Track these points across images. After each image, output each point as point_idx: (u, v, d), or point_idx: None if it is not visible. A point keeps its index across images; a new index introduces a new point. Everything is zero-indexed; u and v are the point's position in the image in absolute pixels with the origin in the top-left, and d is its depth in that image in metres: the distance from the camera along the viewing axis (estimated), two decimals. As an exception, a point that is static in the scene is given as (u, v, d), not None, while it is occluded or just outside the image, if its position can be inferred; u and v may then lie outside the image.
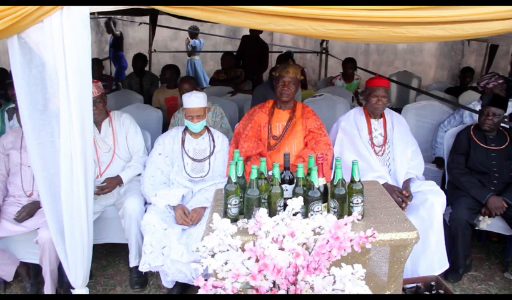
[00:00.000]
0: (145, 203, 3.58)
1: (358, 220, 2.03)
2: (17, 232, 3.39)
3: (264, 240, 1.84)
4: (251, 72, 7.02)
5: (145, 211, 3.44)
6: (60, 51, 2.58)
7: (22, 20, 2.50)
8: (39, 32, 2.58)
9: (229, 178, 2.47)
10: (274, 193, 2.41)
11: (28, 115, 2.76)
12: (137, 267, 3.46)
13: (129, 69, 8.76)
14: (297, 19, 2.50)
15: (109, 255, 4.07)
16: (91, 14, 2.59)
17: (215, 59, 11.25)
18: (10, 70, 2.78)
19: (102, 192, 3.57)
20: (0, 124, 4.75)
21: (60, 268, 3.40)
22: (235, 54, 7.62)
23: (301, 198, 2.09)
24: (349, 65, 7.11)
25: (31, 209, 3.45)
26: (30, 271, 3.68)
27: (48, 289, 3.43)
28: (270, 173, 2.53)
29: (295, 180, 2.46)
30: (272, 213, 2.35)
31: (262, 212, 2.12)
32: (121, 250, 3.88)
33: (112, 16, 9.58)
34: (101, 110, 3.68)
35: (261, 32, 7.67)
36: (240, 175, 2.54)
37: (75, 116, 2.70)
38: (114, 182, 3.65)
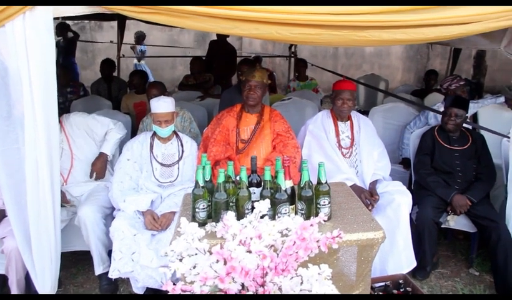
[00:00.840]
0: (113, 210, 3.55)
1: (324, 221, 2.07)
2: (-19, 241, 3.32)
3: (231, 243, 1.85)
4: (220, 77, 7.02)
5: (113, 217, 3.41)
6: (24, 56, 2.56)
7: (-16, 25, 2.47)
8: (1, 36, 2.55)
9: (196, 182, 2.47)
10: (241, 196, 2.42)
11: (-9, 122, 2.72)
12: (106, 274, 3.43)
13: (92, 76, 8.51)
14: (262, 24, 2.53)
15: (79, 263, 4.01)
16: (55, 18, 2.56)
17: (184, 64, 11.24)
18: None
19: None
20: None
21: (27, 277, 3.35)
22: (204, 58, 7.61)
23: (268, 200, 2.11)
24: (300, 64, 7.73)
25: (-4, 218, 3.38)
26: (-4, 281, 3.60)
27: (15, 298, 3.38)
28: (238, 177, 2.54)
29: (262, 183, 2.48)
30: (240, 216, 2.36)
31: (230, 216, 2.13)
32: (91, 257, 3.82)
33: (79, 21, 9.39)
34: None
35: (228, 36, 7.70)
36: (208, 179, 2.55)
37: (40, 122, 2.68)
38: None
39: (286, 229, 2.09)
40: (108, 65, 6.78)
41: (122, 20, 8.08)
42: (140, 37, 10.18)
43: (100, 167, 3.76)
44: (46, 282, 3.08)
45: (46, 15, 2.52)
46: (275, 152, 3.61)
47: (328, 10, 2.58)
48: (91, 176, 3.76)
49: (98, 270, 3.51)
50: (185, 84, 6.73)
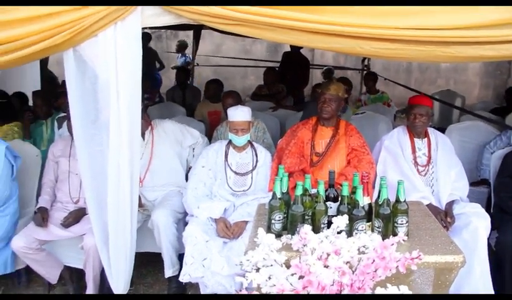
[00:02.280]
0: (186, 215, 3.63)
1: (403, 241, 2.01)
2: (63, 236, 3.52)
3: (310, 257, 1.84)
4: (292, 88, 7.04)
5: (186, 223, 3.50)
6: (113, 64, 2.67)
7: (79, 35, 2.60)
8: (93, 45, 2.68)
9: (274, 193, 2.48)
10: (318, 210, 2.41)
11: (80, 125, 2.87)
12: (176, 277, 3.51)
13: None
14: (345, 38, 2.51)
15: (149, 265, 4.12)
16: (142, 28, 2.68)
17: (256, 74, 11.36)
18: (61, 80, 2.87)
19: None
20: (49, 132, 4.90)
21: (102, 274, 3.48)
22: (277, 69, 7.66)
23: (346, 216, 2.09)
24: (370, 78, 7.60)
25: (77, 215, 3.56)
26: (73, 275, 3.77)
27: (90, 293, 3.53)
28: (314, 190, 2.54)
29: (339, 198, 2.46)
30: (316, 230, 2.34)
31: (307, 229, 2.13)
32: (161, 259, 3.92)
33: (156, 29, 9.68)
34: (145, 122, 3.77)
35: (301, 47, 7.71)
36: (285, 191, 2.56)
37: (124, 127, 2.79)
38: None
39: (364, 247, 2.06)
40: (183, 73, 6.97)
41: (198, 30, 8.31)
42: (181, 46, 10.33)
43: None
44: (120, 280, 3.19)
45: (135, 25, 2.63)
46: (349, 166, 3.57)
47: (411, 25, 2.51)
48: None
49: (168, 273, 3.59)
50: (258, 94, 6.79)
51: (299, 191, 2.39)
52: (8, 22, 2.57)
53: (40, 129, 4.94)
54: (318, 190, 2.42)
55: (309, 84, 8.42)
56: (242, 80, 11.61)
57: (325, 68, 8.29)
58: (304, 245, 2.09)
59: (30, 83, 6.82)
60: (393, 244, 1.88)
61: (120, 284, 3.20)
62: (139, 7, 2.58)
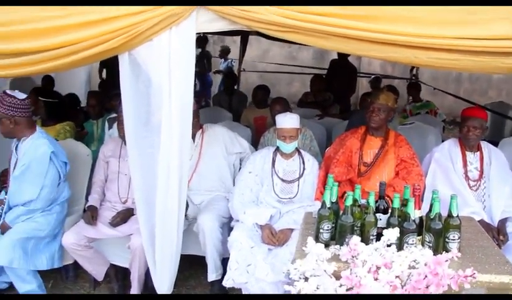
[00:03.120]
0: (231, 220, 3.65)
1: (457, 257, 1.96)
2: (111, 235, 3.60)
3: (360, 269, 1.82)
4: (339, 96, 6.97)
5: (231, 228, 3.52)
6: (166, 68, 2.73)
7: (134, 39, 2.67)
8: (148, 49, 2.74)
9: (323, 202, 2.46)
10: (368, 221, 2.38)
11: (132, 127, 2.93)
12: (218, 281, 3.52)
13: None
14: (400, 47, 2.47)
15: (192, 268, 4.15)
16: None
17: (301, 81, 11.32)
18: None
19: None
20: (100, 132, 5.02)
21: (146, 274, 3.54)
22: (323, 76, 7.61)
23: (397, 229, 2.05)
24: (413, 86, 7.61)
25: (125, 215, 3.63)
26: (119, 274, 3.84)
27: (134, 292, 3.60)
28: (363, 201, 2.50)
29: (390, 210, 2.41)
30: (365, 241, 2.30)
31: (356, 240, 2.10)
32: (203, 263, 3.94)
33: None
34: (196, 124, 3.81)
35: (349, 55, 7.64)
36: (334, 201, 2.53)
37: (175, 130, 2.83)
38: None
39: (414, 261, 2.01)
40: (230, 79, 7.02)
41: (245, 35, 8.35)
42: (224, 51, 10.36)
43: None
44: (164, 281, 3.24)
45: (190, 30, 2.67)
46: (397, 178, 3.50)
47: (470, 35, 2.44)
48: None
49: (211, 276, 3.60)
50: (304, 101, 6.76)
51: (349, 201, 2.36)
52: (67, 26, 2.68)
53: (90, 128, 5.07)
54: (368, 201, 2.38)
55: (355, 92, 8.34)
56: (287, 86, 11.61)
57: (372, 77, 8.18)
58: (353, 257, 2.07)
59: (80, 84, 7.07)
60: (446, 260, 1.83)
61: (164, 284, 3.25)
62: (194, 13, 2.61)
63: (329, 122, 5.68)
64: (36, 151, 3.50)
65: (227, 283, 3.27)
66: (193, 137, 3.83)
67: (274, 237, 3.32)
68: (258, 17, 2.51)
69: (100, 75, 8.34)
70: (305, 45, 2.99)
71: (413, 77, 8.79)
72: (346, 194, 2.90)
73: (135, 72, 2.81)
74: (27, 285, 3.46)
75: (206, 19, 2.65)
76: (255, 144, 4.62)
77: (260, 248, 3.24)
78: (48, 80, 6.68)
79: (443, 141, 4.54)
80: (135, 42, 2.69)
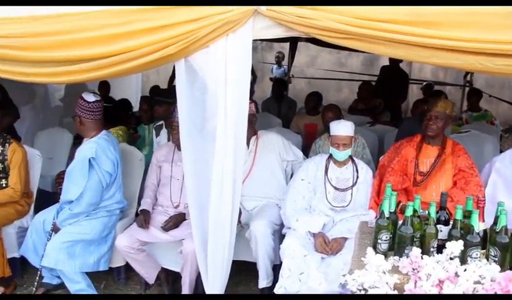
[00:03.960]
0: (282, 227, 3.61)
1: (526, 274, 1.86)
2: (163, 239, 3.63)
3: (425, 283, 1.75)
4: (389, 103, 6.84)
5: (282, 235, 3.49)
6: (222, 75, 2.74)
7: (191, 46, 2.70)
8: (204, 56, 2.76)
9: (382, 212, 2.40)
10: (429, 233, 2.29)
11: (187, 133, 2.95)
12: (269, 288, 3.50)
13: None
14: (463, 53, 2.38)
15: (241, 273, 4.14)
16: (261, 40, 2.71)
17: (350, 87, 11.19)
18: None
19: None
20: (151, 136, 5.08)
21: (197, 278, 3.56)
22: (373, 83, 7.48)
23: (461, 242, 1.97)
24: (474, 94, 7.21)
25: (177, 220, 3.66)
26: (170, 277, 3.88)
27: (185, 296, 3.61)
28: (422, 212, 2.43)
29: (452, 222, 2.32)
30: (425, 253, 2.23)
31: (416, 252, 2.04)
32: (253, 269, 3.93)
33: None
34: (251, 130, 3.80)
35: (401, 61, 7.49)
36: (392, 211, 2.46)
37: (230, 136, 2.84)
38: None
39: (480, 276, 1.93)
40: (280, 85, 7.01)
41: (294, 42, 8.33)
42: (281, 58, 10.30)
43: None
44: (215, 286, 3.23)
45: (247, 37, 2.67)
46: (456, 188, 3.38)
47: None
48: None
49: (262, 283, 3.59)
50: (354, 108, 6.67)
51: (409, 212, 2.29)
52: (125, 33, 2.73)
53: (142, 133, 5.15)
54: (429, 212, 2.30)
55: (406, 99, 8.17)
56: (336, 93, 11.49)
57: (424, 83, 7.96)
58: (414, 269, 2.01)
59: (132, 89, 7.23)
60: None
61: (215, 290, 3.25)
62: (250, 20, 2.61)
63: (381, 129, 5.58)
64: (81, 154, 3.61)
65: (279, 291, 3.24)
66: (248, 142, 3.84)
67: (327, 245, 3.27)
68: (316, 23, 2.48)
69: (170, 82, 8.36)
70: (357, 51, 2.94)
71: (467, 84, 8.47)
72: (401, 204, 2.85)
73: (190, 78, 2.83)
74: (76, 284, 3.58)
75: (263, 26, 2.64)
76: (304, 150, 4.57)
77: (313, 256, 3.19)
78: (104, 85, 6.85)
79: (501, 151, 4.39)
80: (192, 49, 2.72)
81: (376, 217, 3.28)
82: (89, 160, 3.56)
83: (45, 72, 2.95)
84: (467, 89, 8.37)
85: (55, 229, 3.62)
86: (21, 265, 4.08)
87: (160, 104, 4.70)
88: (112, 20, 2.73)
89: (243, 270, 4.11)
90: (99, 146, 3.62)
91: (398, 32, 2.38)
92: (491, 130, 5.94)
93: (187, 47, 2.70)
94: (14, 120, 5.36)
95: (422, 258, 1.98)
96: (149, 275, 3.77)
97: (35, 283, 3.69)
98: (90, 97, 3.65)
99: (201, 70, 2.81)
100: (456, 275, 1.94)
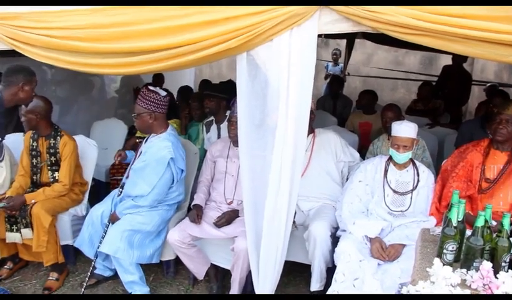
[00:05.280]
0: (336, 229, 3.51)
1: None
2: (215, 236, 3.58)
3: (501, 301, 1.62)
4: (450, 104, 6.56)
5: (337, 238, 3.38)
6: (285, 69, 2.66)
7: (254, 39, 2.63)
8: (267, 50, 2.69)
9: (449, 221, 2.26)
10: (501, 246, 2.14)
11: (245, 128, 2.89)
12: (321, 291, 3.41)
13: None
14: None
15: (291, 274, 4.07)
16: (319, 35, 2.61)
17: (406, 87, 10.88)
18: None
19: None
20: (199, 134, 5.07)
21: (247, 277, 3.51)
22: (433, 83, 7.22)
23: (540, 258, 1.82)
24: None
25: (230, 217, 3.61)
26: (219, 274, 3.86)
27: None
28: (492, 223, 2.27)
29: (527, 235, 2.16)
30: (495, 268, 2.08)
31: (488, 266, 1.90)
32: (303, 270, 3.85)
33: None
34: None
35: (465, 61, 7.18)
36: (460, 220, 2.31)
37: (291, 133, 2.77)
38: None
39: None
40: (337, 83, 6.87)
41: (351, 39, 8.16)
42: (338, 55, 10.05)
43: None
44: (266, 286, 3.17)
45: (312, 31, 2.57)
46: (527, 198, 3.18)
47: None
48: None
49: (315, 286, 3.48)
50: (413, 108, 6.45)
51: (480, 222, 2.14)
52: (187, 25, 2.70)
53: (196, 128, 5.13)
54: (502, 223, 2.14)
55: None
56: (392, 92, 11.18)
57: (488, 85, 7.59)
58: (485, 285, 1.87)
59: (187, 83, 7.26)
60: None
61: (265, 290, 3.19)
62: (317, 14, 2.52)
63: (441, 131, 5.37)
64: (158, 153, 3.59)
65: (331, 296, 3.14)
66: (304, 140, 3.76)
67: (384, 251, 3.14)
68: (386, 18, 2.37)
69: None
70: (415, 49, 2.79)
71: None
72: (465, 213, 2.68)
73: (252, 72, 2.76)
74: (130, 275, 3.58)
75: (330, 20, 2.54)
76: (360, 150, 4.43)
77: (370, 262, 3.07)
78: (159, 77, 6.92)
79: None
80: (255, 43, 2.65)
81: (438, 224, 3.15)
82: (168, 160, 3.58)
83: (108, 63, 2.96)
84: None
85: (114, 219, 3.65)
86: (74, 253, 4.16)
87: (211, 98, 4.66)
88: (173, 12, 2.70)
89: (292, 270, 4.06)
90: (173, 144, 3.62)
91: (475, 28, 2.23)
92: None
93: (249, 41, 2.64)
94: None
95: (495, 275, 1.84)
96: (198, 270, 3.75)
97: (89, 273, 3.73)
98: (161, 91, 3.66)
99: (263, 64, 2.73)
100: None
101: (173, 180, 3.68)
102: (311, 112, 3.63)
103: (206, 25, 2.66)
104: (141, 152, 3.72)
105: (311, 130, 3.80)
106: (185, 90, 6.38)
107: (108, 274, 3.90)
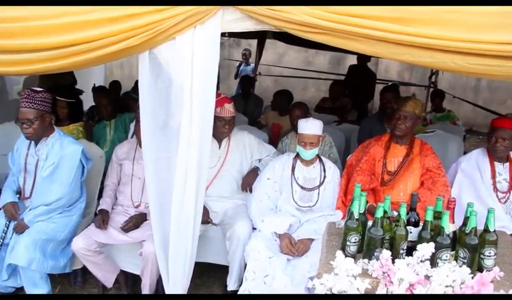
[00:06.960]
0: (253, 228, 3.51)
1: (500, 277, 1.82)
2: (122, 241, 3.46)
3: (397, 288, 1.68)
4: (356, 102, 6.83)
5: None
6: (189, 68, 2.62)
7: (156, 37, 2.57)
8: (170, 48, 2.63)
9: (351, 213, 2.33)
10: (399, 235, 2.24)
11: (148, 129, 2.83)
12: (236, 291, 3.39)
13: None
14: (438, 52, 2.32)
15: (203, 275, 4.02)
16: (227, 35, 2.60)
17: (316, 86, 11.18)
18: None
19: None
20: (112, 133, 4.89)
21: (158, 281, 3.43)
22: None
23: (433, 244, 1.92)
24: (437, 95, 7.31)
25: (138, 221, 3.51)
26: (129, 280, 3.74)
27: (145, 299, 3.46)
28: (392, 213, 2.37)
29: (422, 223, 2.27)
30: (394, 256, 2.17)
31: (387, 255, 1.97)
32: (216, 270, 3.83)
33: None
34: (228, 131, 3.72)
35: (369, 60, 7.50)
36: (362, 212, 2.39)
37: (196, 133, 2.72)
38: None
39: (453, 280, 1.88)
40: (247, 83, 6.92)
41: (262, 39, 8.25)
42: (248, 55, 10.21)
43: (253, 181, 3.69)
44: (177, 289, 3.12)
45: (215, 30, 2.55)
46: (423, 188, 3.35)
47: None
48: (243, 189, 3.71)
49: (233, 286, 3.47)
50: (321, 106, 6.62)
51: (379, 213, 2.22)
52: (86, 22, 2.56)
53: (103, 130, 4.94)
54: (399, 213, 2.24)
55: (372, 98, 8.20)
56: (303, 91, 11.45)
57: (390, 83, 8.00)
58: (384, 273, 1.94)
59: (97, 84, 6.98)
60: (492, 281, 1.70)
61: (176, 292, 3.13)
62: (220, 12, 2.50)
63: (348, 128, 5.54)
64: (64, 149, 3.44)
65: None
66: (220, 143, 3.75)
67: (293, 247, 3.18)
68: (289, 17, 2.39)
69: None
70: (324, 49, 2.86)
71: (432, 85, 8.56)
72: (369, 204, 2.79)
73: (154, 71, 2.70)
74: (39, 289, 3.36)
75: (233, 18, 2.53)
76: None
77: (279, 259, 3.10)
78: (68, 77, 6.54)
79: (464, 152, 4.41)
80: (157, 41, 2.58)
81: (344, 217, 3.25)
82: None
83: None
84: (431, 90, 8.47)
85: (21, 228, 3.37)
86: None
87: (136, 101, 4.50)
88: (71, 8, 2.55)
89: (204, 271, 4.01)
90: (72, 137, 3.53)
91: (372, 28, 2.31)
92: (455, 130, 6.01)
93: (151, 39, 2.56)
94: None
95: (393, 261, 1.91)
96: (107, 279, 3.59)
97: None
98: (39, 89, 3.43)
99: (166, 63, 2.67)
100: (427, 278, 1.88)
101: (84, 172, 3.55)
102: (233, 118, 3.61)
103: (105, 22, 2.55)
104: (38, 160, 3.50)
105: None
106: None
107: (9, 291, 3.58)
